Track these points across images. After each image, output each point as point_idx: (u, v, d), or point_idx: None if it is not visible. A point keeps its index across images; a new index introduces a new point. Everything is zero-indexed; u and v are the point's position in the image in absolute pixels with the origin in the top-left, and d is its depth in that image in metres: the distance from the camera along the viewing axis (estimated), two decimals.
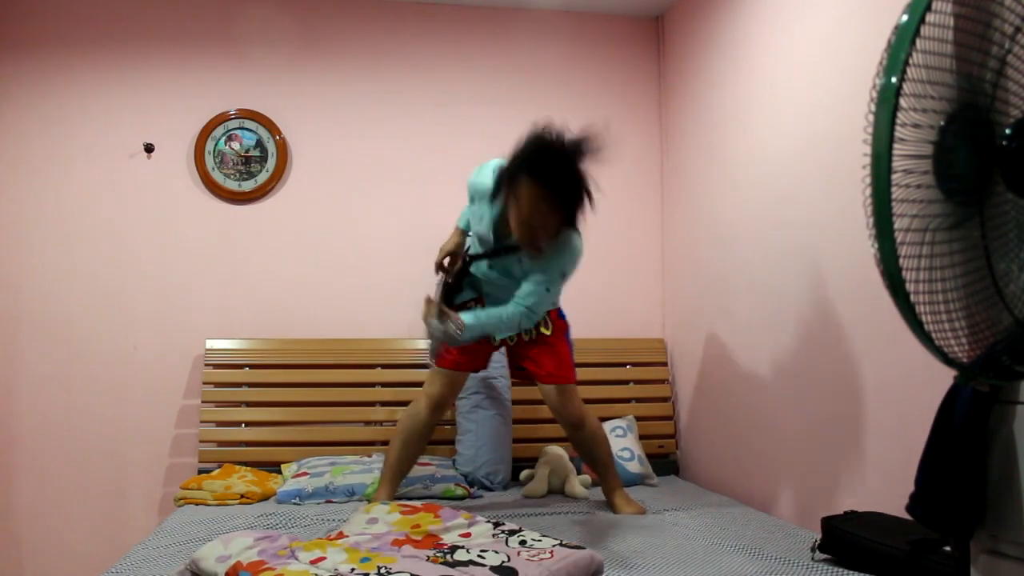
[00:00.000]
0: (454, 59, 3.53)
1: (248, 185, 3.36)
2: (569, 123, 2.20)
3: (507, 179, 2.22)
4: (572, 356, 2.68)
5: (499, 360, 3.15)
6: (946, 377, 1.38)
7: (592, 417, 2.65)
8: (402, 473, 2.62)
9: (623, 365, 3.49)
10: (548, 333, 2.59)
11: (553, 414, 2.62)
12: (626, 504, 2.57)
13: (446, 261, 2.60)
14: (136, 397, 3.22)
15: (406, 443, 2.57)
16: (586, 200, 2.20)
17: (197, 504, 2.69)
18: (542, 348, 2.59)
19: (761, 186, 2.75)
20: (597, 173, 2.20)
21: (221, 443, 3.14)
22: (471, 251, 2.55)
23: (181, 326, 3.27)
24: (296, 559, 1.75)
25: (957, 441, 1.40)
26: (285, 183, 3.39)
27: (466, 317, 2.29)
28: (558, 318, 2.64)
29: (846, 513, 1.99)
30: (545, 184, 2.13)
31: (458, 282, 2.56)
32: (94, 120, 3.29)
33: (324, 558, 1.75)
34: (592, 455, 2.66)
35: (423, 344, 3.35)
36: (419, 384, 3.30)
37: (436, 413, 2.60)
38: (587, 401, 3.37)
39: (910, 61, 1.14)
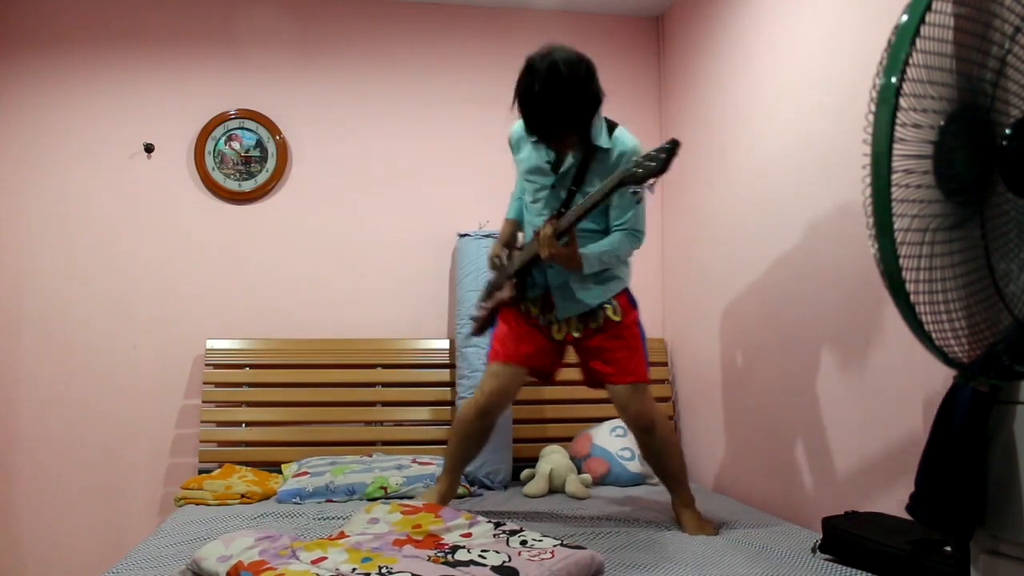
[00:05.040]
0: (454, 59, 3.53)
1: (248, 185, 3.36)
2: None
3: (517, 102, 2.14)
4: (645, 348, 2.38)
5: None
6: (945, 377, 1.38)
7: (665, 420, 2.36)
8: (458, 468, 2.46)
9: None
10: (617, 320, 2.32)
11: (619, 414, 2.36)
12: (697, 525, 2.27)
13: (503, 254, 2.47)
14: (136, 397, 3.23)
15: (459, 443, 2.43)
16: (585, 91, 2.08)
17: (198, 504, 2.69)
18: (611, 340, 2.32)
19: (761, 186, 2.75)
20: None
21: (221, 443, 3.14)
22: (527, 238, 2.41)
23: (181, 326, 3.27)
24: (297, 559, 1.75)
25: (957, 441, 1.40)
26: (285, 183, 3.39)
27: (585, 251, 2.20)
28: (628, 305, 2.38)
29: (846, 513, 2.00)
30: (537, 80, 2.03)
31: (524, 273, 2.37)
32: (94, 120, 3.29)
33: (325, 558, 1.75)
34: (662, 464, 2.36)
35: (426, 344, 3.35)
36: (419, 384, 3.36)
37: (484, 418, 2.38)
38: (587, 401, 3.40)
39: (910, 61, 1.15)
